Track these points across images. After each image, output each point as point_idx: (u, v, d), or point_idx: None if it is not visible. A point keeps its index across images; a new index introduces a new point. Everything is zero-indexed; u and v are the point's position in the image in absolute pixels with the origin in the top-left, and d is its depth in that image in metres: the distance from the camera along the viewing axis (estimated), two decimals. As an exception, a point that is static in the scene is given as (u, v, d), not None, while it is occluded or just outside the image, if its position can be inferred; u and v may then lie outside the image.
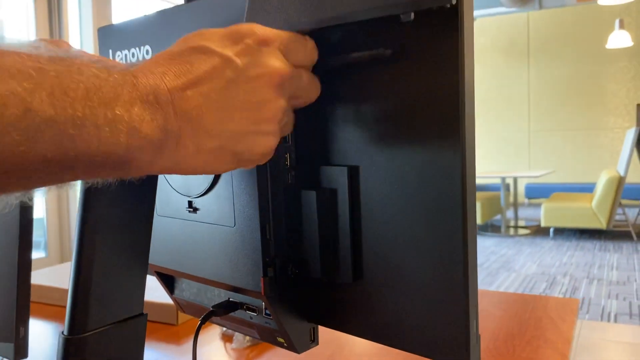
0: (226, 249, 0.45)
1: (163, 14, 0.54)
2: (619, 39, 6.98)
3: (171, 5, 0.54)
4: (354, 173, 0.39)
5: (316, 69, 0.39)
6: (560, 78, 8.92)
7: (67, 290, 1.05)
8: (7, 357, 0.63)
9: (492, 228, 6.71)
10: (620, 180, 5.44)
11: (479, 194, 7.06)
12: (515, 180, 6.63)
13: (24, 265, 0.61)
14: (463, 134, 0.33)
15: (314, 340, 0.46)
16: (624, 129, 8.49)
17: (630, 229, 5.83)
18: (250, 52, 0.34)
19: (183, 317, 0.92)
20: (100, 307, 0.42)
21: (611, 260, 4.77)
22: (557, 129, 9.01)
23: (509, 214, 7.05)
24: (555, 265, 4.63)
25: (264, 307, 0.45)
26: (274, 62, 0.34)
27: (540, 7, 8.44)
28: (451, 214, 0.35)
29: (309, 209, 0.42)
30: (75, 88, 0.26)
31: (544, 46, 9.00)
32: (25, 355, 0.63)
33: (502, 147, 9.38)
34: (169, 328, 0.91)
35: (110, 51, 0.61)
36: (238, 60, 0.33)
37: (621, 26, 6.98)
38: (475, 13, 8.35)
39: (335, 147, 0.41)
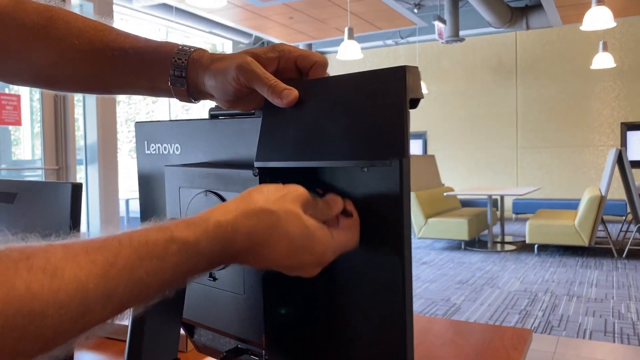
0: (237, 310, 0.62)
1: (192, 123, 0.71)
2: (603, 60, 7.22)
3: (196, 120, 0.71)
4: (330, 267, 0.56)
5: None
6: (547, 96, 9.17)
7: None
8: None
9: (479, 244, 6.89)
10: (602, 199, 5.65)
11: (466, 210, 7.25)
12: (502, 197, 6.82)
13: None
14: (402, 251, 0.50)
15: (300, 377, 0.63)
16: (609, 147, 8.74)
17: (611, 245, 6.03)
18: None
19: (192, 345, 1.08)
20: (149, 352, 0.58)
21: (591, 277, 4.96)
22: (544, 146, 9.25)
23: (496, 229, 7.24)
24: (538, 282, 4.82)
25: (264, 354, 0.62)
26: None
27: (528, 27, 8.70)
28: (395, 299, 0.51)
29: (298, 290, 0.58)
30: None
31: (531, 65, 9.26)
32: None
33: (491, 163, 9.60)
34: (180, 354, 1.07)
35: (146, 142, 0.78)
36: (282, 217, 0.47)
37: (605, 48, 7.22)
38: (465, 33, 8.59)
39: None
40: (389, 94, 0.48)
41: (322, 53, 10.56)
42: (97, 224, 4.96)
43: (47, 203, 0.84)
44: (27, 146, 5.03)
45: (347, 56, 6.33)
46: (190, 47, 0.61)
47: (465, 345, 1.14)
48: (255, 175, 0.58)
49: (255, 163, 0.58)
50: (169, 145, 0.75)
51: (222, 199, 0.62)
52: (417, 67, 0.49)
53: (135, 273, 0.36)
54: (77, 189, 0.81)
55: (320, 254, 0.48)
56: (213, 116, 0.70)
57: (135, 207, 7.33)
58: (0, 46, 0.60)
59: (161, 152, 0.76)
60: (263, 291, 0.58)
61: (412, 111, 0.49)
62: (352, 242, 0.52)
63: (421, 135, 9.92)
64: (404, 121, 0.47)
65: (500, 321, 3.74)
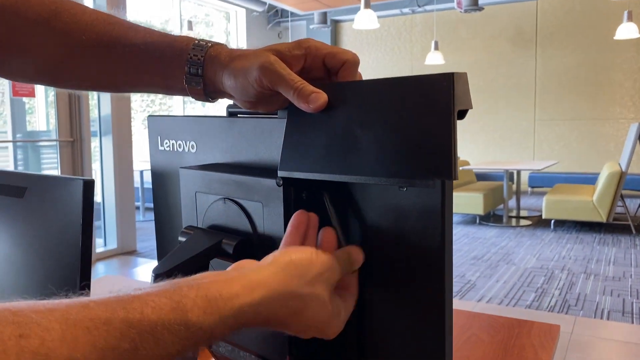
0: (261, 329, 0.57)
1: (209, 120, 0.66)
2: (627, 30, 6.98)
3: (213, 115, 0.66)
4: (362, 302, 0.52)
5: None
6: (567, 67, 8.94)
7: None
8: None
9: (494, 218, 6.83)
10: (622, 175, 5.53)
11: (482, 184, 7.16)
12: (518, 171, 6.72)
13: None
14: (442, 274, 0.45)
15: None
16: (630, 120, 8.54)
17: (630, 222, 5.94)
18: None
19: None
20: None
21: (609, 254, 4.89)
22: (563, 118, 9.06)
23: (511, 203, 7.16)
24: (554, 259, 4.76)
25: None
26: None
27: (550, -4, 8.43)
28: (434, 327, 0.47)
29: None
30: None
31: (552, 35, 9.00)
32: None
33: (508, 135, 9.44)
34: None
35: (159, 137, 0.73)
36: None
37: (629, 18, 6.98)
38: (484, 1, 8.35)
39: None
40: (433, 105, 0.43)
41: (337, 22, 10.35)
42: (112, 200, 4.97)
43: (58, 199, 0.80)
44: (41, 115, 4.99)
45: (364, 25, 6.18)
46: (207, 41, 0.55)
47: (491, 342, 1.09)
48: (280, 186, 0.53)
49: (279, 172, 0.53)
50: (183, 142, 0.70)
51: (242, 208, 0.57)
52: (465, 74, 0.43)
53: (136, 356, 0.33)
54: (88, 185, 0.76)
55: (333, 331, 0.48)
56: (231, 114, 0.65)
57: (150, 178, 7.32)
58: (2, 41, 0.55)
59: (176, 149, 0.71)
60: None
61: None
62: (354, 306, 0.52)
63: (437, 107, 9.73)
64: (450, 136, 0.41)
65: (516, 299, 3.70)
